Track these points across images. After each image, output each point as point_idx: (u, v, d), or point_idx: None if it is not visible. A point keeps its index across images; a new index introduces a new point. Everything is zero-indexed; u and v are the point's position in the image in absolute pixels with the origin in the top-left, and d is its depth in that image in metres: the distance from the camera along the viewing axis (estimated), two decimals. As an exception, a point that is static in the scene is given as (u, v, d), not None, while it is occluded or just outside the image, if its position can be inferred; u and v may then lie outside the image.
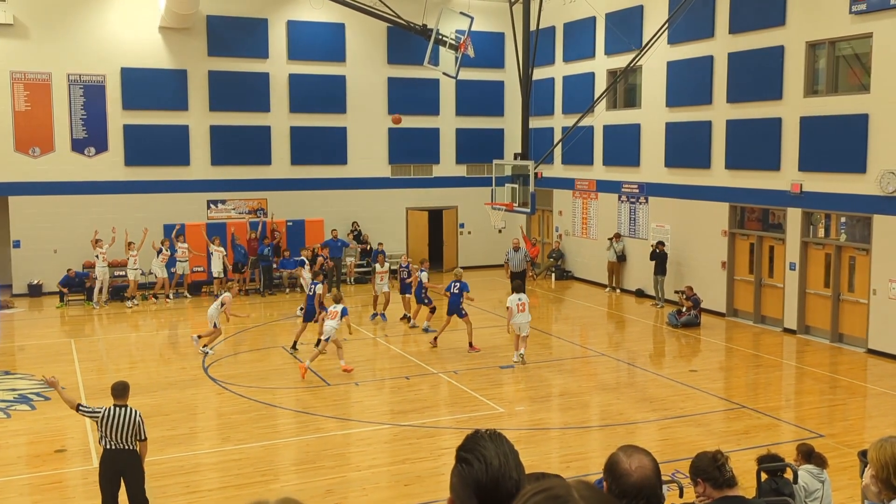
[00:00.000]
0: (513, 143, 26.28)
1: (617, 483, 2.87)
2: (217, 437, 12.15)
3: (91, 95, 23.02)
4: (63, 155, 22.88)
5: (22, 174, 22.47)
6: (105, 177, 23.24)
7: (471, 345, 16.70)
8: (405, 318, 19.53)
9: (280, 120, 25.07)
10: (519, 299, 15.62)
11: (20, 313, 20.89)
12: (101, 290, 21.55)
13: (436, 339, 17.08)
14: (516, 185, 21.38)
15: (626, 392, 14.24)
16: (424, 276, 18.45)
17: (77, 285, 22.06)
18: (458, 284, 16.87)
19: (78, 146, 23.03)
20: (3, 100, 22.27)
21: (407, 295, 19.47)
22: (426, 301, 18.45)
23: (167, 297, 22.23)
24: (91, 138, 23.10)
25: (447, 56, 23.71)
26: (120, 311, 21.28)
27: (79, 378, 14.76)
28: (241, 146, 24.54)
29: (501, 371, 15.41)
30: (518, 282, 17.24)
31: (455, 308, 16.77)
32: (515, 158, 22.51)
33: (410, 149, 26.78)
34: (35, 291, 22.54)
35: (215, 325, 16.66)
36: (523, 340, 15.71)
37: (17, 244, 22.57)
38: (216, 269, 22.51)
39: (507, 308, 15.82)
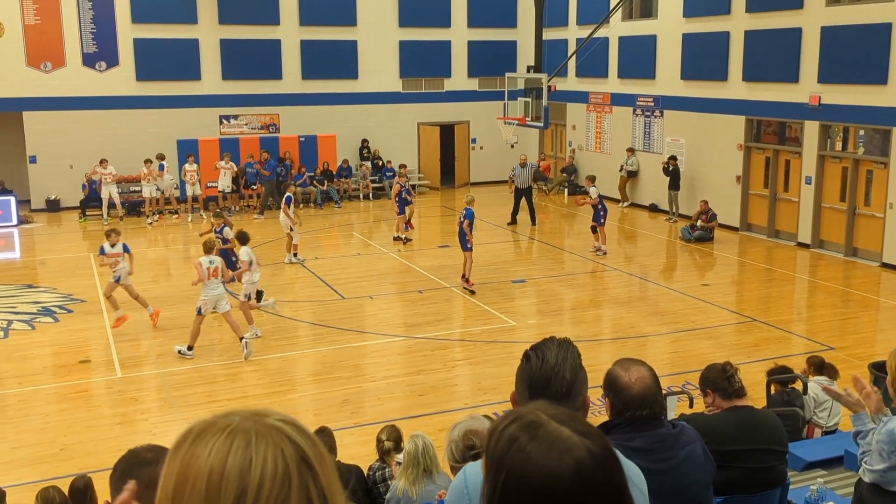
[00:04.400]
0: (526, 56, 25.84)
1: (619, 397, 2.96)
2: (235, 348, 12.41)
3: (99, 8, 22.67)
4: (74, 69, 22.72)
5: (35, 89, 22.37)
6: (117, 91, 23.11)
7: (465, 278, 15.01)
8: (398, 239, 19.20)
9: (290, 33, 24.68)
10: None
11: (39, 228, 21.12)
12: (112, 206, 21.66)
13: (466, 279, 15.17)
14: (529, 99, 21.14)
15: (637, 306, 14.40)
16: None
17: (95, 200, 22.24)
18: (463, 212, 14.97)
19: (89, 60, 22.82)
20: (13, 13, 21.99)
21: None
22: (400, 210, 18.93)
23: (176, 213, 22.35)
24: (101, 52, 22.88)
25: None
26: (139, 227, 21.46)
27: (99, 292, 15.02)
28: (252, 60, 24.25)
29: (513, 285, 15.57)
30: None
31: (461, 239, 14.98)
32: (528, 71, 22.20)
33: (421, 62, 26.39)
34: (53, 207, 22.74)
35: (290, 229, 16.77)
36: None
37: (33, 160, 22.65)
38: (224, 185, 22.50)
39: None
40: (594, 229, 17.94)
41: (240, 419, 1.23)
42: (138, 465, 2.53)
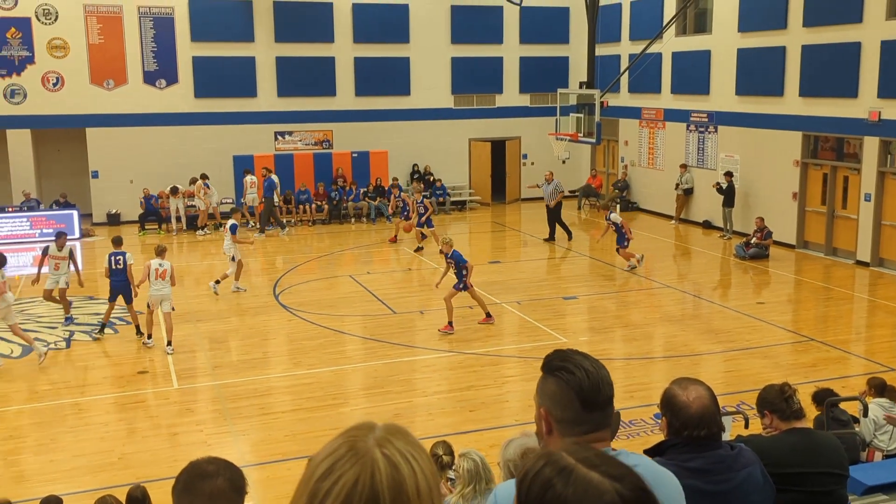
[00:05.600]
0: (578, 72, 25.80)
1: (676, 416, 2.94)
2: (289, 361, 12.60)
3: (160, 27, 23.33)
4: (136, 87, 23.37)
5: (98, 106, 23.07)
6: (176, 108, 23.70)
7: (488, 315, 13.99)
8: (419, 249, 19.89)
9: (344, 51, 25.04)
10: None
11: (100, 241, 21.68)
12: (178, 220, 22.43)
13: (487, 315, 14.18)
14: (581, 115, 21.10)
15: (691, 324, 14.22)
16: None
17: (153, 214, 22.83)
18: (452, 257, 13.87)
19: (149, 78, 23.47)
20: (78, 33, 22.74)
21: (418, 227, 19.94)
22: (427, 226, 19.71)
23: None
24: (162, 70, 23.50)
25: (512, -18, 23.29)
26: (192, 240, 21.93)
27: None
28: (307, 77, 24.66)
29: (565, 302, 15.50)
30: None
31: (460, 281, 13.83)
32: (581, 87, 22.17)
33: (473, 78, 26.52)
34: (113, 220, 23.36)
35: (233, 259, 16.01)
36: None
37: (95, 174, 23.33)
38: (251, 199, 23.02)
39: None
40: (619, 250, 17.96)
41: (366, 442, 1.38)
42: (200, 478, 2.60)
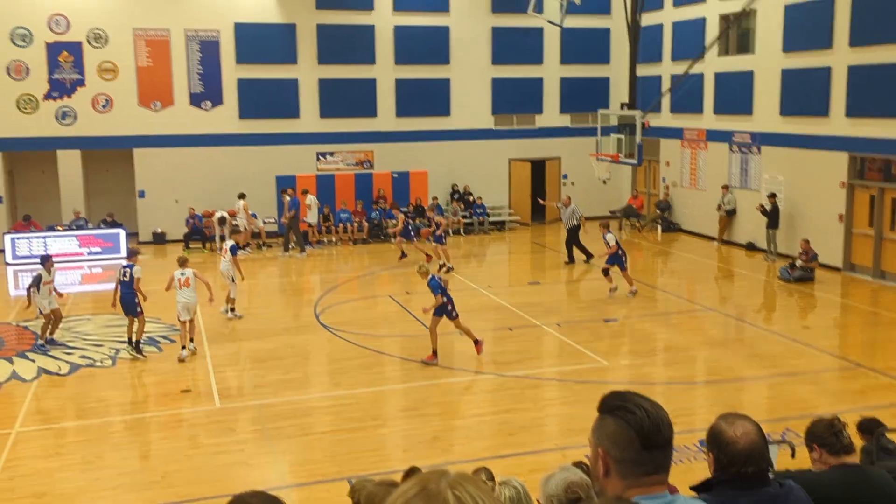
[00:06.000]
0: (619, 92, 25.73)
1: (723, 452, 2.90)
2: (329, 381, 12.67)
3: (207, 51, 23.81)
4: (182, 109, 23.84)
5: (145, 127, 23.57)
6: (221, 129, 24.11)
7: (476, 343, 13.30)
8: (447, 268, 19.72)
9: (385, 72, 25.29)
10: None
11: (145, 260, 22.05)
12: (222, 238, 22.74)
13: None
14: (622, 136, 20.99)
15: (734, 348, 14.01)
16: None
17: (197, 233, 23.20)
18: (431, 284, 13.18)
19: (195, 100, 23.93)
20: (128, 56, 23.30)
21: (441, 245, 20.00)
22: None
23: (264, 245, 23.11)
24: (207, 92, 23.95)
25: (552, 3, 23.37)
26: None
27: (200, 322, 15.56)
28: (349, 99, 24.94)
29: (605, 324, 15.39)
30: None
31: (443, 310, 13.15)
32: (622, 108, 22.06)
33: (513, 99, 26.60)
34: (159, 239, 23.78)
35: (232, 280, 15.84)
36: None
37: (142, 194, 23.80)
38: (312, 219, 23.19)
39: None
40: (606, 272, 17.31)
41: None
42: None
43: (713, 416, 3.11)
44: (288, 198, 22.67)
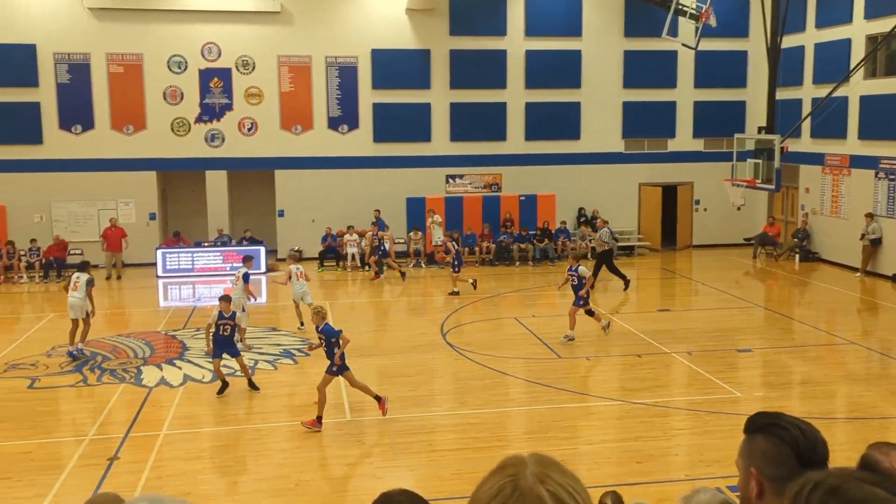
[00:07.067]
0: (755, 116, 24.98)
1: None
2: (454, 400, 12.84)
3: (345, 76, 24.79)
4: (320, 132, 24.88)
5: (286, 150, 24.73)
6: (356, 152, 24.98)
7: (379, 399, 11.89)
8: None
9: (516, 96, 25.54)
10: None
11: (284, 276, 23.04)
12: (353, 258, 23.54)
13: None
14: (759, 161, 20.39)
15: (878, 383, 13.28)
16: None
17: (331, 252, 24.08)
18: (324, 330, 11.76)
19: (333, 124, 24.93)
20: (272, 82, 24.57)
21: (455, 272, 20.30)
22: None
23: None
24: (344, 116, 24.91)
25: (687, 26, 23.01)
26: (365, 277, 22.87)
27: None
28: (479, 122, 25.33)
29: (738, 354, 14.93)
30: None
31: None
32: (759, 132, 21.45)
33: (645, 123, 26.27)
34: (296, 257, 24.76)
35: (243, 310, 15.44)
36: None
37: (281, 213, 24.94)
38: (436, 239, 23.65)
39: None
40: (591, 312, 15.72)
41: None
42: None
43: (856, 453, 3.05)
44: (374, 221, 23.20)
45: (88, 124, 23.85)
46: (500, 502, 1.40)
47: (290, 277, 16.79)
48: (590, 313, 15.77)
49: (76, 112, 23.69)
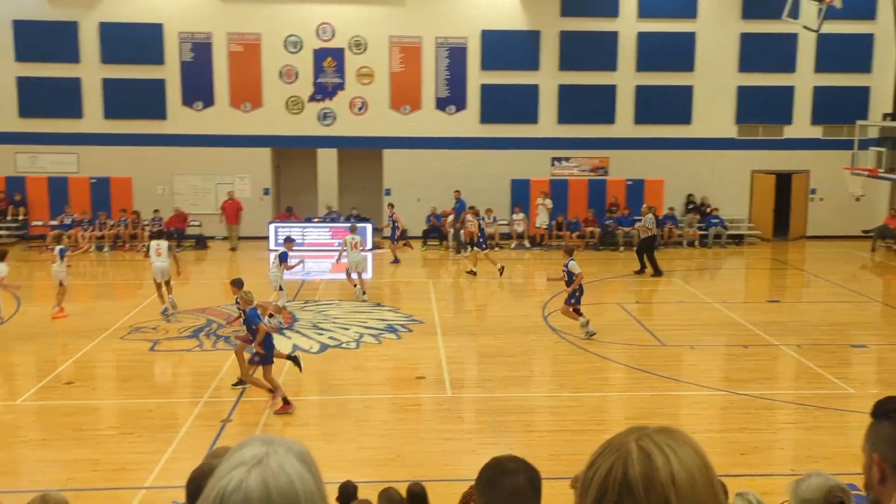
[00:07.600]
0: (880, 102, 23.80)
1: None
2: (554, 382, 12.91)
3: (454, 57, 24.95)
4: (428, 112, 25.16)
5: (394, 129, 25.13)
6: (462, 133, 25.15)
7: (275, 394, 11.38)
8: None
9: (626, 79, 25.13)
10: None
11: (387, 254, 23.52)
12: (453, 238, 23.76)
13: None
14: (883, 149, 19.50)
15: None
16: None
17: (435, 231, 24.40)
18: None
19: (441, 104, 25.15)
20: (383, 62, 24.97)
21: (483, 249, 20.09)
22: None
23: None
24: (452, 97, 25.10)
25: (809, 8, 22.08)
26: (461, 259, 23.06)
27: (435, 315, 16.42)
28: (587, 105, 25.05)
29: (852, 350, 14.39)
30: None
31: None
32: (885, 119, 20.48)
33: (760, 108, 25.39)
34: (401, 235, 25.20)
35: (280, 288, 15.93)
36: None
37: (388, 192, 25.40)
38: (541, 221, 23.58)
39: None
40: (578, 312, 14.94)
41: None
42: (502, 474, 2.91)
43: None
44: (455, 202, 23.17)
45: (209, 101, 24.85)
46: (594, 455, 1.44)
47: (351, 248, 17.58)
48: (577, 312, 14.96)
49: (198, 89, 24.71)
